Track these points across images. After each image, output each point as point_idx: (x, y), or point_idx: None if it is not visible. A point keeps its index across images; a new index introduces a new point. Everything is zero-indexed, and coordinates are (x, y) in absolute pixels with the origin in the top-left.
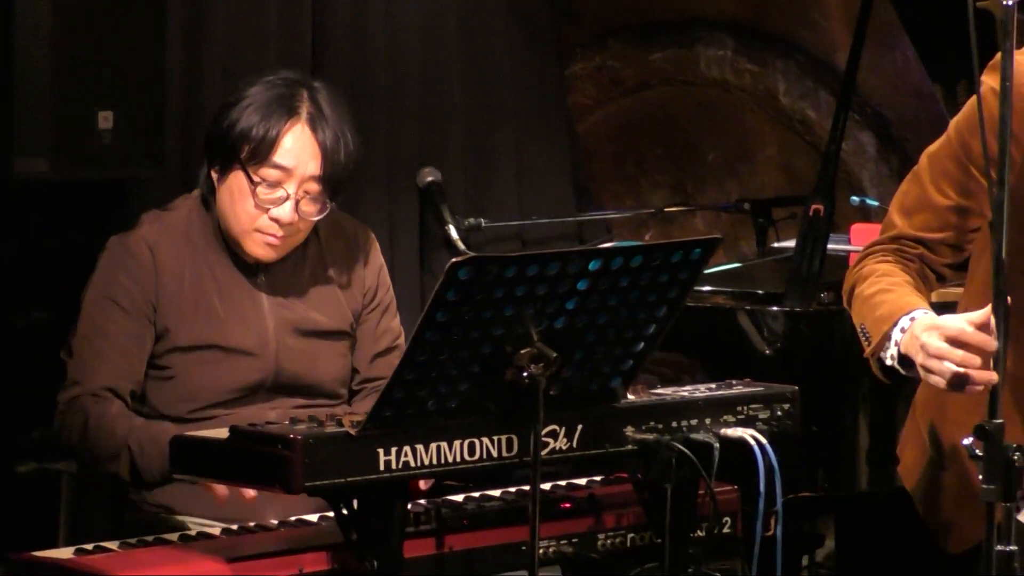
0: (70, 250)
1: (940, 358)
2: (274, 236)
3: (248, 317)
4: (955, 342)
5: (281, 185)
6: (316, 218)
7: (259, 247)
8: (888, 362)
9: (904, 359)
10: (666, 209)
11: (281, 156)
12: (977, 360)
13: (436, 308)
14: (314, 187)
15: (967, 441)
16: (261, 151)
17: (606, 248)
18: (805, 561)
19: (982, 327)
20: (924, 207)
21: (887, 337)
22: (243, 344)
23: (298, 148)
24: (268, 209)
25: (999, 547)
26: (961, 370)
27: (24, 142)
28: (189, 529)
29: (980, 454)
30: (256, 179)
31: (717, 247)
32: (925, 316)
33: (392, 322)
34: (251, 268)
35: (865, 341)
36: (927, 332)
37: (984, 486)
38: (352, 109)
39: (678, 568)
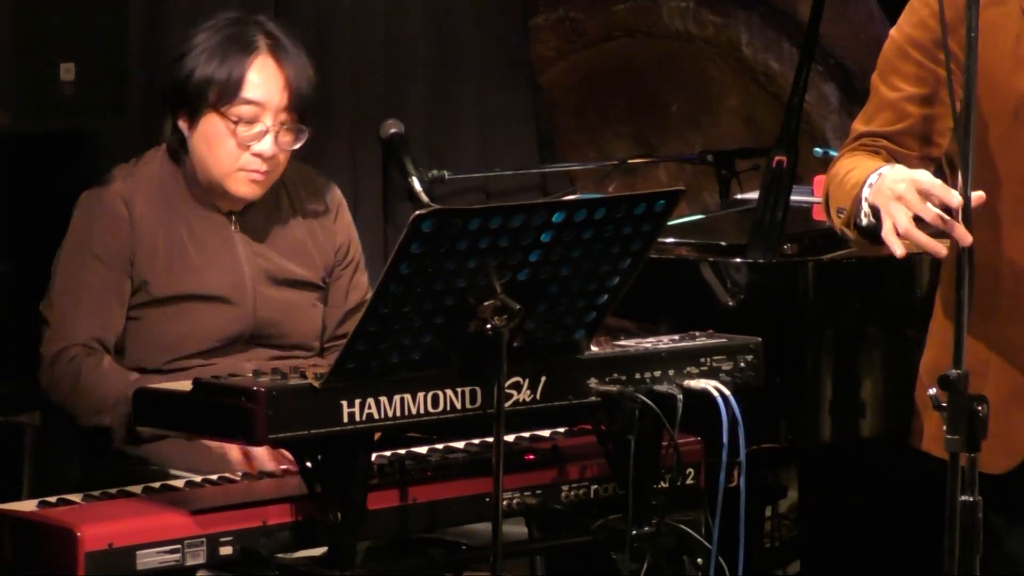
0: (33, 201)
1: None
2: (258, 172)
3: (225, 265)
4: (924, 193)
5: (258, 120)
6: (296, 146)
7: (244, 185)
8: (863, 222)
9: (876, 212)
10: (629, 161)
11: (251, 91)
12: (931, 213)
13: (399, 260)
14: (287, 116)
15: (932, 391)
16: (230, 90)
17: (570, 200)
18: (768, 512)
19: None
20: (881, 108)
21: (858, 200)
22: (221, 291)
23: (266, 80)
24: (249, 147)
25: (963, 497)
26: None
27: None
28: (170, 478)
29: (944, 405)
30: (233, 118)
31: (680, 199)
32: (892, 169)
33: (362, 278)
34: (225, 217)
35: (841, 217)
36: (903, 182)
37: (948, 436)
38: (316, 61)
39: (641, 519)
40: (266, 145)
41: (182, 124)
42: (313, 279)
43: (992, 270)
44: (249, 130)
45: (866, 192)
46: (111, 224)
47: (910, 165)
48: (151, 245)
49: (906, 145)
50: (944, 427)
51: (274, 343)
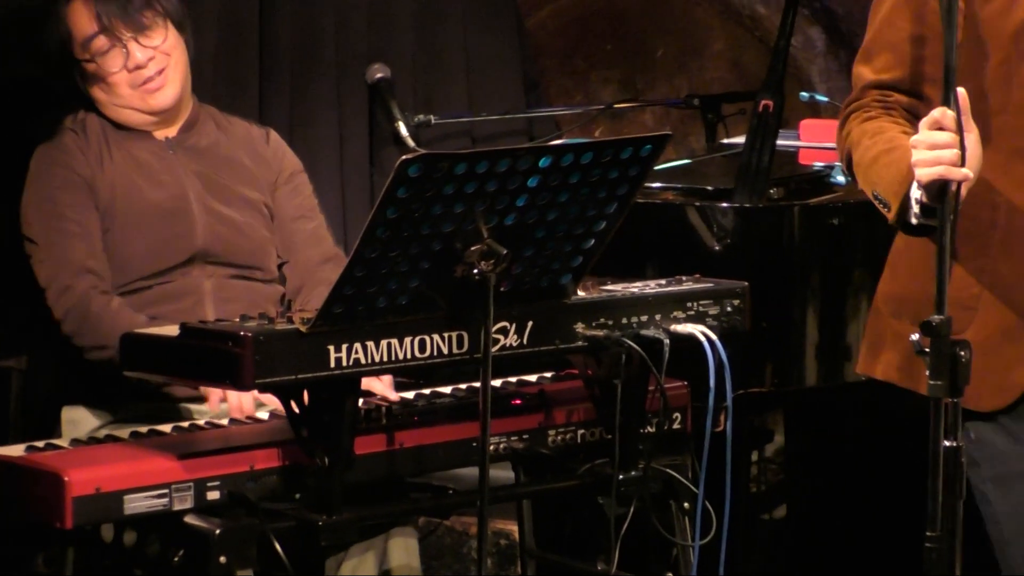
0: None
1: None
2: (149, 79)
3: (167, 185)
4: (934, 124)
5: (110, 45)
6: (155, 31)
7: (152, 97)
8: (914, 221)
9: (926, 209)
10: (615, 105)
11: (83, 29)
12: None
13: (386, 205)
14: (125, 22)
15: (914, 337)
16: (70, 41)
17: (556, 145)
18: (755, 456)
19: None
20: (882, 47)
21: (907, 198)
22: (166, 211)
23: (81, 15)
24: (131, 68)
25: (946, 443)
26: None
27: None
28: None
29: (927, 350)
30: (90, 57)
31: (667, 143)
32: None
33: (304, 187)
34: (162, 143)
35: (884, 208)
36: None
37: (931, 382)
38: (300, 4)
39: (628, 464)
40: (137, 55)
41: (80, 83)
42: (257, 198)
43: (988, 204)
44: (113, 55)
45: (915, 194)
46: (70, 160)
47: (921, 113)
48: (102, 174)
49: (923, 91)
50: (926, 367)
51: (226, 261)
